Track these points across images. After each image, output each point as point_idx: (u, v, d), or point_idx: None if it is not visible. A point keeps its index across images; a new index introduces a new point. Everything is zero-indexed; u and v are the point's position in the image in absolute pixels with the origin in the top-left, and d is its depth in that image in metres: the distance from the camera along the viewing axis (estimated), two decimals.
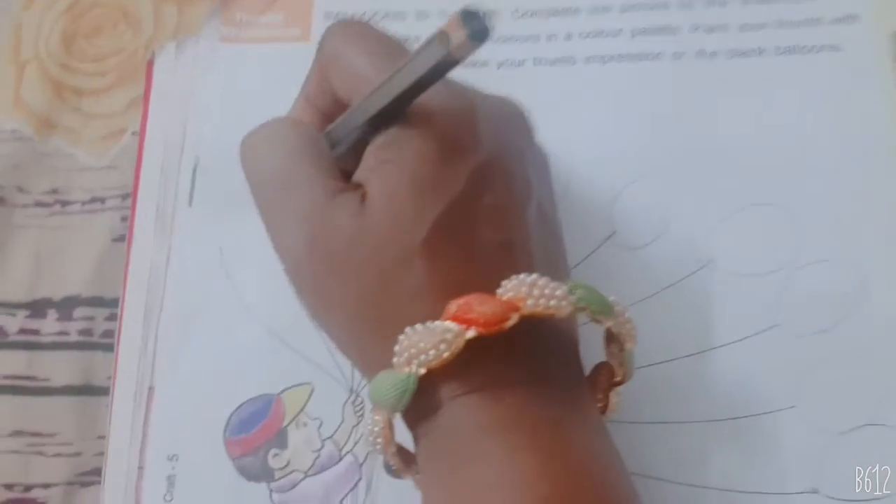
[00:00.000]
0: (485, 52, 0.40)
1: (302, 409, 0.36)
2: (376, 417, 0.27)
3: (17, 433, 0.38)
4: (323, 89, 0.32)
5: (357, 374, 0.37)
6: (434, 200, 0.28)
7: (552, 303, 0.26)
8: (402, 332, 0.27)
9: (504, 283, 0.27)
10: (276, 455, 0.36)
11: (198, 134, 0.41)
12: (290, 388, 0.37)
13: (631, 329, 0.29)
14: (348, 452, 0.36)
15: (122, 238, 0.40)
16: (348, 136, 0.31)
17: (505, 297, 0.26)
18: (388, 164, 0.28)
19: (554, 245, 0.31)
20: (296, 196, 0.30)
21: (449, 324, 0.26)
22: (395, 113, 0.29)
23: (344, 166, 0.31)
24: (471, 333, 0.26)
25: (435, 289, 0.27)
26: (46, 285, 0.39)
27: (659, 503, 0.34)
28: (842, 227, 0.37)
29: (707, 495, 0.34)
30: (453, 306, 0.26)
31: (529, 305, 0.26)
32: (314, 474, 0.36)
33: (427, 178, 0.28)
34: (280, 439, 0.36)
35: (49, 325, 0.39)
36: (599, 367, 0.30)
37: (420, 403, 0.27)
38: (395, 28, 0.42)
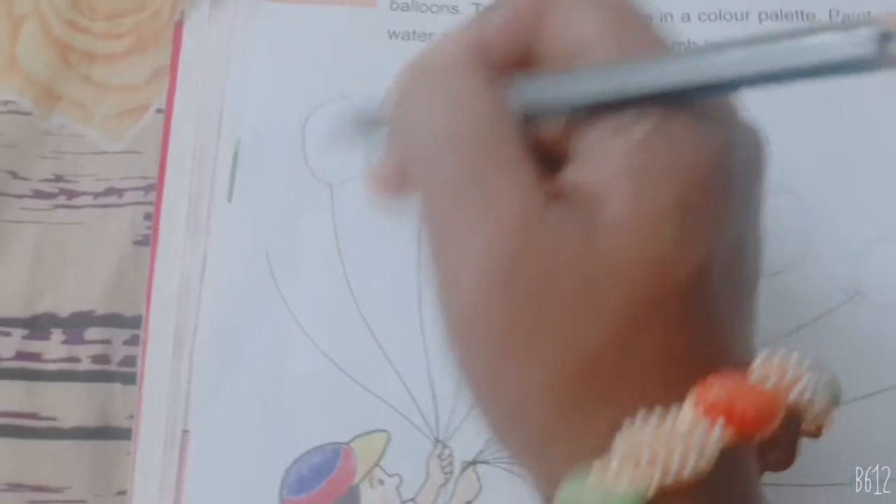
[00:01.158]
0: None
1: (377, 463, 0.32)
2: None
3: (15, 486, 0.33)
4: (519, 33, 0.24)
5: (443, 420, 0.32)
6: (709, 235, 0.22)
7: (817, 395, 0.22)
8: (626, 414, 0.21)
9: (759, 361, 0.22)
10: None
11: (238, 111, 0.36)
12: (360, 435, 0.32)
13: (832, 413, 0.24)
14: None
15: (146, 240, 0.35)
16: (548, 109, 0.24)
17: (766, 386, 0.21)
18: (653, 173, 0.22)
19: None
20: (489, 196, 0.22)
21: (703, 421, 0.20)
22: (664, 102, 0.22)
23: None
24: (726, 436, 0.20)
25: (685, 360, 0.22)
26: (49, 298, 0.35)
27: None
28: None
29: None
30: (710, 395, 0.20)
31: (796, 394, 0.21)
32: None
33: (704, 204, 0.22)
34: (350, 498, 0.32)
35: (53, 349, 0.34)
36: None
37: None
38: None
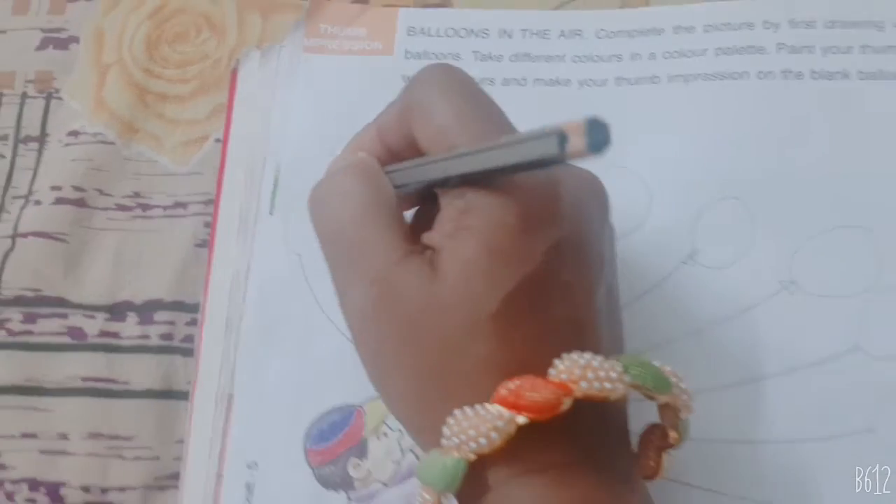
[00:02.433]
0: (566, 70, 0.42)
1: (383, 421, 0.36)
2: (426, 496, 0.27)
3: (96, 435, 0.38)
4: (401, 130, 0.30)
5: None
6: (509, 274, 0.27)
7: (606, 385, 0.26)
8: (457, 408, 0.26)
9: (557, 362, 0.26)
10: (356, 465, 0.36)
11: (280, 142, 0.41)
12: (371, 399, 0.36)
13: (687, 400, 0.28)
14: None
15: (204, 244, 0.40)
16: (416, 185, 0.30)
17: (558, 379, 0.26)
18: (466, 231, 0.27)
19: (617, 320, 0.31)
20: (365, 256, 0.29)
21: (499, 409, 0.25)
22: (477, 180, 0.28)
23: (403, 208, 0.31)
24: (522, 419, 0.25)
25: (498, 366, 0.27)
26: (127, 289, 0.40)
27: None
28: None
29: None
30: (503, 390, 0.26)
31: (583, 388, 0.26)
32: (394, 485, 0.36)
33: (505, 250, 0.27)
34: (360, 449, 0.36)
35: (129, 329, 0.39)
36: (652, 429, 0.30)
37: (472, 484, 0.27)
38: (477, 45, 0.42)
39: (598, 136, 0.23)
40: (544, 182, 0.28)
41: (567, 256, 0.28)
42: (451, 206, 0.28)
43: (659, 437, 0.29)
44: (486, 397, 0.26)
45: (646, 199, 0.39)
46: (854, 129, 0.39)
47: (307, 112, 0.41)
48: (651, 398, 0.28)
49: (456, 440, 0.26)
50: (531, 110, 0.38)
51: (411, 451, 0.36)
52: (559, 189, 0.28)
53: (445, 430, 0.26)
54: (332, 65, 0.42)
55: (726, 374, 0.36)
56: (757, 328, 0.36)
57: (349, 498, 0.36)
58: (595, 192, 0.30)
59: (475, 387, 0.26)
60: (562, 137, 0.24)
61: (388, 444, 0.36)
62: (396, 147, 0.31)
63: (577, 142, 0.23)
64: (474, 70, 0.40)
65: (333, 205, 0.30)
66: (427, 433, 0.27)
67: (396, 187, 0.30)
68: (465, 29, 0.42)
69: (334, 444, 0.36)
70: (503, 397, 0.26)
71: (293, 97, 0.41)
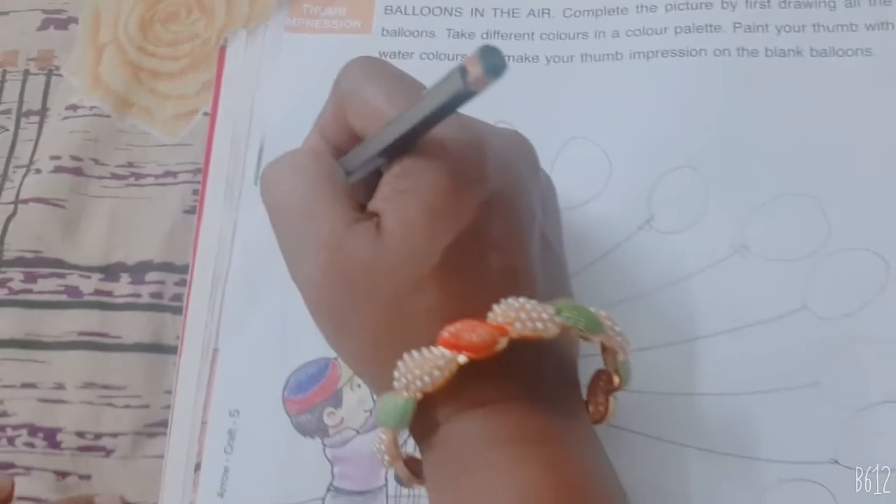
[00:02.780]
0: (535, 47, 0.44)
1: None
2: (382, 436, 0.29)
3: (90, 385, 0.40)
4: (338, 123, 0.33)
5: None
6: (447, 229, 0.29)
7: (539, 325, 0.28)
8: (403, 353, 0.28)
9: (495, 307, 0.28)
10: (330, 413, 0.38)
11: (264, 116, 0.43)
12: None
13: (622, 342, 0.30)
14: None
15: (193, 210, 0.42)
16: (362, 166, 0.32)
17: (495, 322, 0.28)
18: (403, 193, 0.30)
19: (556, 270, 0.33)
20: (314, 225, 0.31)
21: (442, 350, 0.28)
22: (410, 144, 0.30)
23: (357, 196, 0.32)
24: (462, 359, 0.28)
25: (442, 314, 0.29)
26: (120, 251, 0.42)
27: (682, 463, 0.36)
28: (870, 219, 0.38)
29: (728, 461, 0.36)
30: (445, 333, 0.28)
31: (517, 329, 0.28)
32: (365, 432, 0.38)
33: (440, 207, 0.29)
34: (335, 399, 0.38)
35: (122, 288, 0.41)
36: (598, 374, 0.32)
37: (424, 421, 0.29)
38: (450, 23, 0.44)
39: (492, 61, 0.25)
40: (471, 142, 0.30)
41: (497, 211, 0.30)
42: (388, 173, 0.31)
43: (605, 382, 0.32)
44: (432, 343, 0.28)
45: (606, 168, 0.41)
46: (804, 103, 0.41)
47: (289, 88, 0.43)
48: (586, 339, 0.30)
49: (404, 381, 0.28)
50: (501, 85, 0.40)
51: None
52: (486, 149, 0.30)
53: (396, 374, 0.28)
54: (312, 43, 0.44)
55: (678, 332, 0.38)
56: (709, 289, 0.38)
57: (324, 444, 0.38)
58: (522, 150, 0.33)
59: (422, 335, 0.28)
60: (462, 71, 0.26)
61: (361, 394, 0.38)
62: (339, 142, 0.33)
63: (475, 71, 0.25)
64: (448, 47, 0.44)
65: (286, 180, 0.32)
66: (383, 382, 0.29)
67: (349, 176, 0.33)
68: (439, 7, 0.44)
69: (311, 394, 0.38)
70: (445, 340, 0.28)
71: (276, 74, 0.44)
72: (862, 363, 0.36)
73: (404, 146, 0.30)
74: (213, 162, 0.43)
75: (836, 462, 0.35)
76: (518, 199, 0.31)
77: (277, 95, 0.43)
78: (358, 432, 0.38)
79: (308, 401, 0.38)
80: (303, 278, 0.32)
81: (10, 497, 0.38)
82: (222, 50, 0.45)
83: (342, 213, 0.31)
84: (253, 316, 0.40)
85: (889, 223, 0.38)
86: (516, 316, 0.28)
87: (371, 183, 0.32)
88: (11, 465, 0.39)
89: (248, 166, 0.42)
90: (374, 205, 0.31)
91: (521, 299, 0.28)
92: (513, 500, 0.28)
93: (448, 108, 0.28)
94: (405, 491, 0.37)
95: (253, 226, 0.41)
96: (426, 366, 0.28)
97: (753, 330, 0.38)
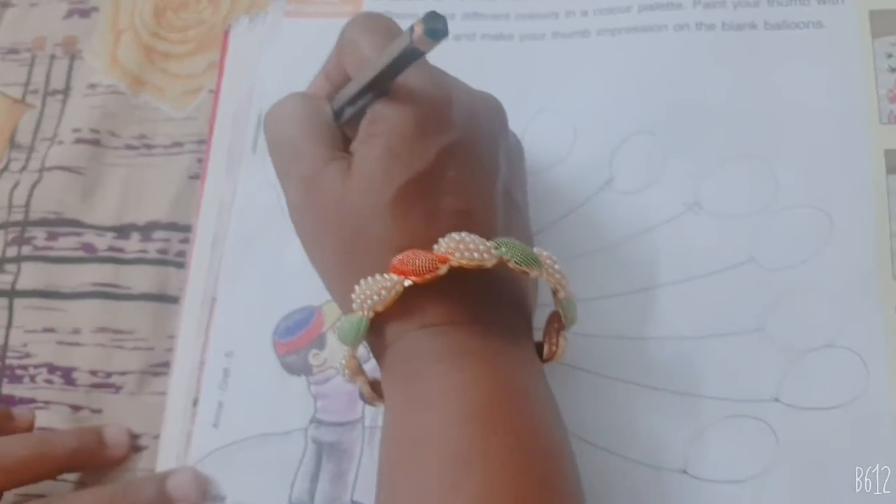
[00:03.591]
0: (510, 27, 0.47)
1: (339, 319, 0.40)
2: (343, 353, 0.33)
3: (103, 330, 0.44)
4: (339, 68, 0.36)
5: None
6: (403, 169, 0.32)
7: (475, 255, 0.31)
8: (362, 279, 0.32)
9: (441, 240, 0.31)
10: (315, 354, 0.42)
11: (262, 93, 0.46)
12: (329, 301, 0.40)
13: (560, 279, 0.33)
14: None
15: (197, 176, 0.46)
16: (348, 106, 0.36)
17: (439, 252, 0.31)
18: (372, 136, 0.33)
19: (518, 222, 0.35)
20: (298, 160, 0.34)
21: (391, 275, 0.31)
22: (382, 92, 0.33)
23: (351, 134, 0.35)
24: (407, 282, 0.31)
25: (394, 244, 0.32)
26: (132, 213, 0.46)
27: (629, 400, 0.38)
28: (816, 179, 0.40)
29: (673, 399, 0.38)
30: (395, 260, 0.31)
31: (457, 258, 0.31)
32: None
33: (400, 150, 0.32)
34: (320, 342, 0.42)
35: (132, 245, 0.45)
36: (551, 316, 0.35)
37: (379, 340, 0.33)
38: (432, 6, 0.47)
39: (433, 24, 0.29)
40: (437, 95, 0.33)
41: (457, 158, 0.33)
42: (364, 119, 0.34)
43: (555, 322, 0.35)
44: (386, 270, 0.32)
45: (571, 136, 0.44)
46: (757, 73, 0.43)
47: (285, 68, 0.46)
48: (524, 273, 0.32)
49: (359, 301, 0.32)
50: (479, 61, 0.44)
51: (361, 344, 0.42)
52: (450, 101, 0.33)
53: (353, 296, 0.32)
54: (307, 27, 0.48)
55: (634, 282, 0.41)
56: (663, 243, 0.41)
57: (308, 381, 0.42)
58: (491, 110, 0.36)
59: (377, 261, 0.32)
60: (411, 31, 0.29)
61: None
62: (339, 85, 0.37)
63: (418, 31, 0.29)
64: None
65: (281, 120, 0.36)
66: (345, 302, 0.33)
67: (341, 115, 0.37)
68: None
69: (298, 338, 0.42)
70: (394, 265, 0.31)
71: (273, 56, 0.47)
72: (805, 310, 0.38)
73: (378, 93, 0.34)
74: (215, 134, 0.46)
75: (778, 400, 0.37)
76: (480, 150, 0.34)
77: (274, 75, 0.47)
78: (339, 371, 0.42)
79: (295, 343, 0.42)
80: (290, 205, 0.35)
81: (31, 427, 0.43)
82: (226, 34, 0.48)
83: (322, 151, 0.34)
84: (247, 269, 0.43)
85: (834, 182, 0.40)
86: (456, 247, 0.31)
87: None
88: (33, 400, 0.43)
89: (247, 138, 0.46)
90: (354, 144, 0.34)
91: (464, 233, 0.31)
92: (451, 399, 0.31)
93: (401, 60, 0.31)
94: (380, 422, 0.40)
95: (250, 191, 0.45)
96: (376, 287, 0.31)
97: (703, 280, 0.40)
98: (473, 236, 0.31)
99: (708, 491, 0.37)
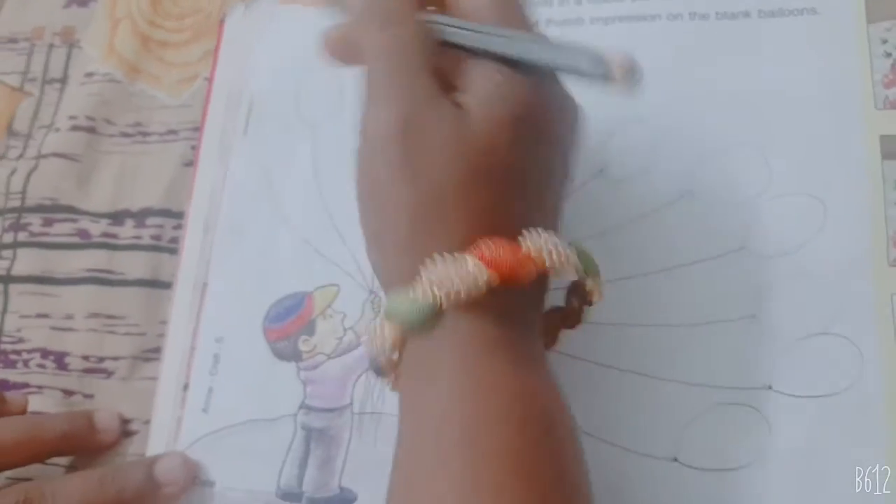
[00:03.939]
0: None
1: (329, 305, 0.42)
2: (386, 333, 0.30)
3: (95, 315, 0.44)
4: None
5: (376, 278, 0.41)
6: (528, 140, 0.31)
7: (563, 260, 0.30)
8: (435, 252, 0.29)
9: (526, 233, 0.29)
10: (305, 340, 0.42)
11: (255, 77, 0.47)
12: (320, 287, 0.42)
13: (601, 285, 0.33)
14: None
15: (190, 163, 0.46)
16: (456, 44, 0.32)
17: (526, 249, 0.29)
18: (498, 99, 0.30)
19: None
20: (400, 85, 0.31)
21: (476, 262, 0.28)
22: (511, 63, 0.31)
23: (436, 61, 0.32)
24: (493, 280, 0.28)
25: (480, 222, 0.29)
26: (126, 199, 0.46)
27: (621, 387, 0.38)
28: (810, 166, 0.40)
29: (666, 386, 0.38)
30: (484, 247, 0.29)
31: (547, 263, 0.29)
32: (335, 357, 0.41)
33: (528, 122, 0.31)
34: (309, 328, 0.42)
35: (126, 231, 0.45)
36: (552, 312, 0.34)
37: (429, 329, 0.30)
38: None
39: (637, 78, 0.28)
40: (573, 107, 0.33)
41: (553, 158, 0.32)
42: (488, 79, 0.31)
43: (559, 319, 0.34)
44: (458, 245, 0.29)
45: None
46: (751, 61, 0.43)
47: (278, 54, 0.47)
48: (582, 280, 0.32)
49: (431, 279, 0.29)
50: None
51: (351, 329, 0.42)
52: (574, 104, 0.33)
53: (423, 270, 0.29)
54: (300, 14, 0.48)
55: (624, 270, 0.40)
56: (655, 231, 0.40)
57: (298, 367, 0.42)
58: (579, 119, 0.35)
59: (454, 234, 0.29)
60: (605, 64, 0.29)
61: (333, 324, 0.42)
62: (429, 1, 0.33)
63: (621, 72, 0.28)
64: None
65: (393, 23, 0.32)
66: (395, 273, 0.30)
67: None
68: None
69: (288, 324, 0.42)
70: (482, 251, 0.29)
71: (266, 44, 0.48)
72: (798, 298, 0.38)
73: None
74: (208, 120, 0.46)
75: (771, 388, 0.37)
76: (565, 157, 0.33)
77: (267, 61, 0.47)
78: (329, 357, 0.41)
79: (285, 330, 0.42)
80: (370, 133, 0.31)
81: (23, 412, 0.43)
82: (222, 23, 0.49)
83: (431, 81, 0.31)
84: (239, 254, 0.44)
85: (828, 169, 0.40)
86: (546, 249, 0.29)
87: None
88: (26, 385, 0.44)
89: (239, 123, 0.46)
90: (462, 98, 0.31)
91: (551, 234, 0.30)
92: (479, 400, 0.29)
93: (562, 70, 0.31)
94: (368, 408, 0.40)
95: (241, 175, 0.45)
96: (457, 270, 0.28)
97: (695, 267, 0.40)
98: (554, 237, 0.30)
99: (699, 479, 0.36)
